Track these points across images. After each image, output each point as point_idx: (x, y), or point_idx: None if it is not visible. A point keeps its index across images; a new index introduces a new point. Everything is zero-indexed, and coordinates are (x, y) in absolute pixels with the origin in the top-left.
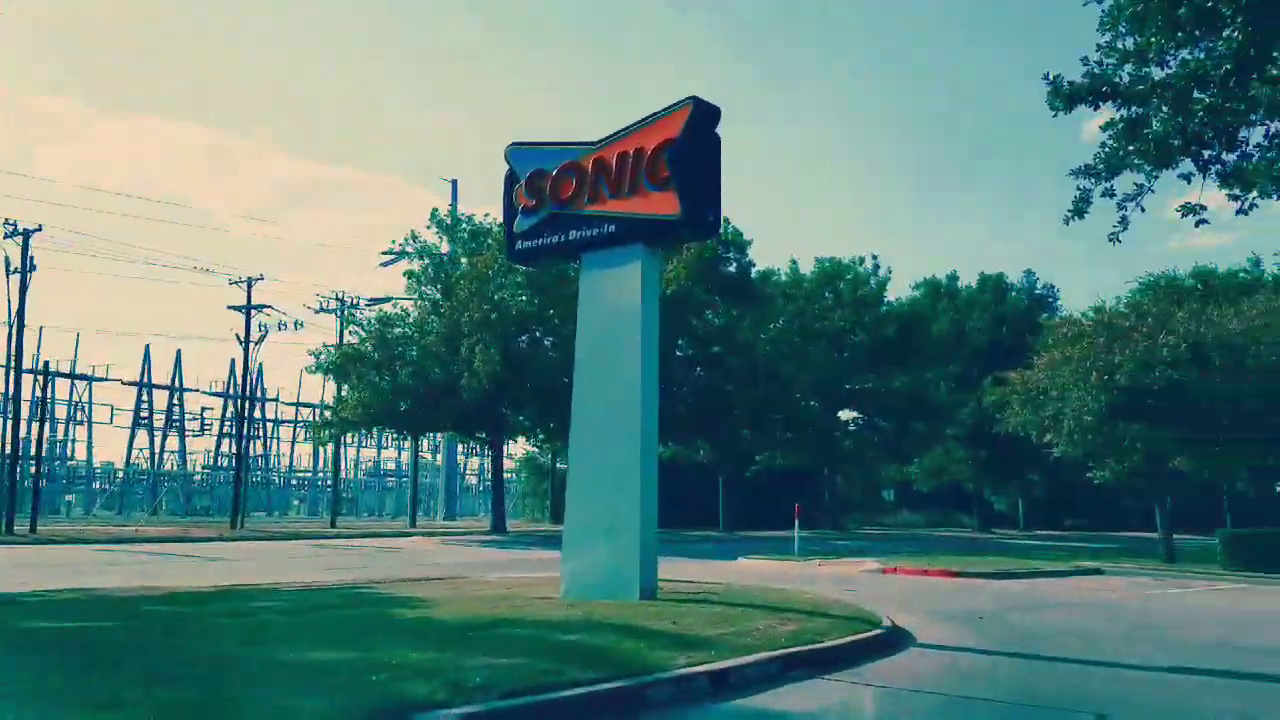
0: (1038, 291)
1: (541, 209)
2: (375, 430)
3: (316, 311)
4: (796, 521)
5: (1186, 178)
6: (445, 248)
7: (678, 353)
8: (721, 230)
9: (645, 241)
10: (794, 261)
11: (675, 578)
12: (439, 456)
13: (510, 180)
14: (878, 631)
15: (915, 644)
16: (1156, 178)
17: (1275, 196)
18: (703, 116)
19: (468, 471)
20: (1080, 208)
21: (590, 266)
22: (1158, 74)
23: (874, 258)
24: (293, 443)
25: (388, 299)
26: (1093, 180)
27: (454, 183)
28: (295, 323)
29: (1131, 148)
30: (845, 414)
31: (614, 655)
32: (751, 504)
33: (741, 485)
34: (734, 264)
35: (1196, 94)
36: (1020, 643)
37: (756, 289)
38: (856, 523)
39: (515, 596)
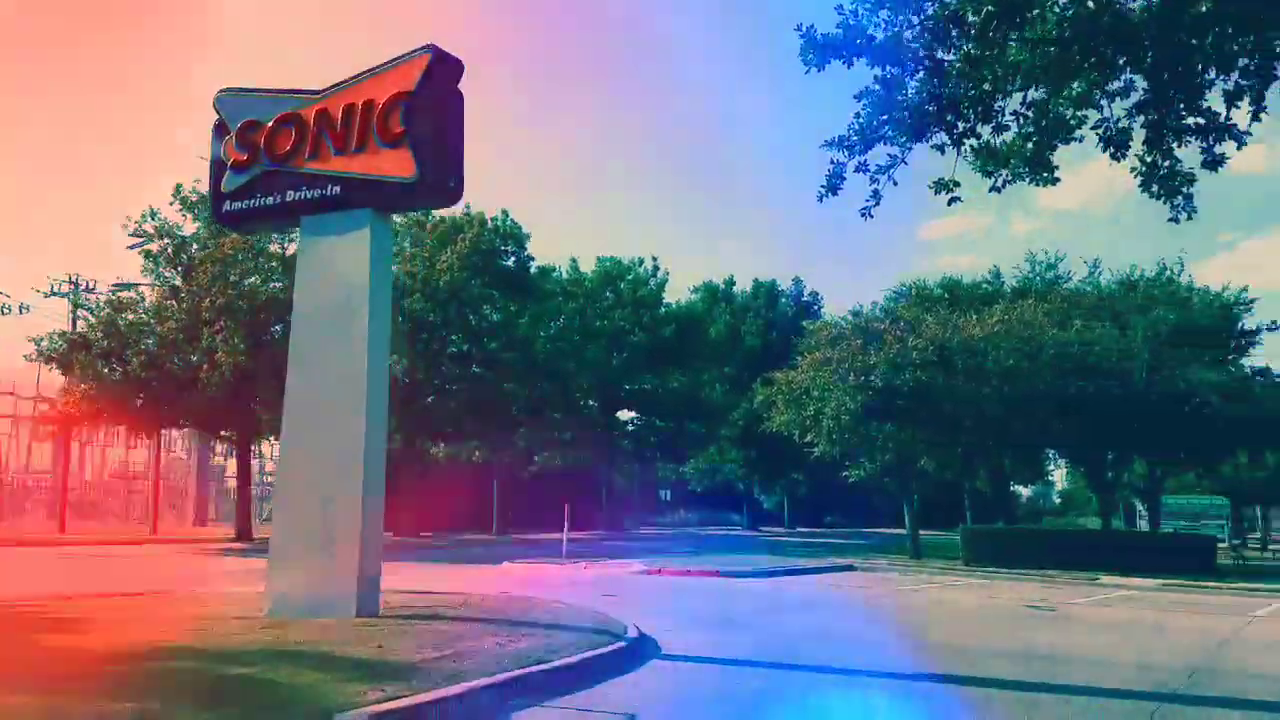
0: (805, 299)
1: (254, 165)
2: (114, 427)
3: (46, 295)
4: (566, 523)
5: (940, 149)
6: (193, 227)
7: (451, 348)
8: (500, 222)
9: (376, 206)
10: (574, 259)
11: (421, 588)
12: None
13: (219, 131)
14: (620, 645)
15: (660, 656)
16: (910, 149)
17: (1027, 179)
18: (443, 68)
19: (228, 474)
20: (833, 184)
21: (311, 233)
22: (914, 21)
23: (654, 259)
24: (30, 442)
25: (127, 286)
26: (846, 153)
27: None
28: (21, 306)
29: (885, 116)
30: (624, 414)
31: (284, 693)
32: (529, 505)
33: (519, 486)
34: (513, 258)
35: (954, 47)
36: (770, 650)
37: (536, 285)
38: (634, 523)
39: (208, 616)
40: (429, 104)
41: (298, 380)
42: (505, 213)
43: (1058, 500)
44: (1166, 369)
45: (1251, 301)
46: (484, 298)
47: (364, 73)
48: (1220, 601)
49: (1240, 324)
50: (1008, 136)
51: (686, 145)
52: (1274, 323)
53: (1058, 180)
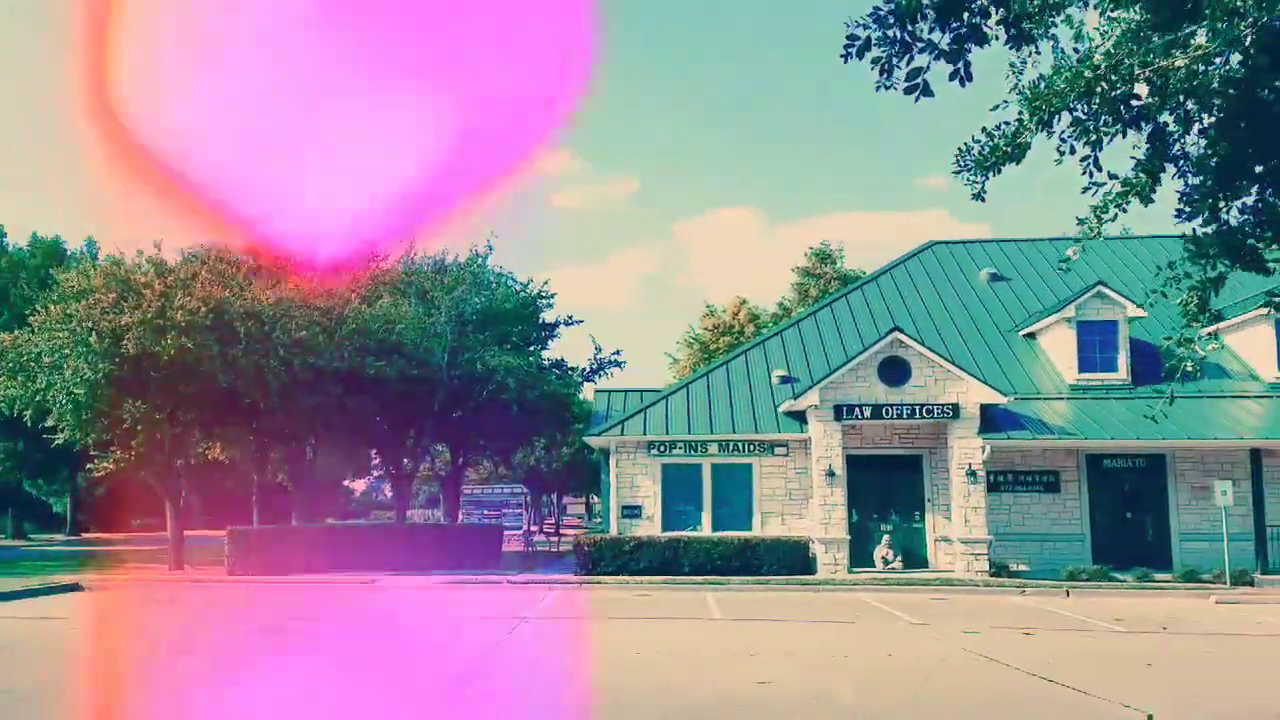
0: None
1: None
2: None
3: None
4: None
5: None
6: None
7: None
8: None
9: None
10: None
11: None
12: None
13: None
14: None
15: None
16: None
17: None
18: None
19: None
20: None
21: None
22: None
23: None
24: None
25: None
26: None
27: None
28: None
29: None
30: None
31: None
32: None
33: None
34: None
35: None
36: None
37: None
38: None
39: None
40: None
41: None
42: None
43: (390, 493)
44: (469, 351)
45: (552, 295)
46: None
47: None
48: (502, 598)
49: (541, 317)
50: None
51: None
52: (570, 318)
53: None
